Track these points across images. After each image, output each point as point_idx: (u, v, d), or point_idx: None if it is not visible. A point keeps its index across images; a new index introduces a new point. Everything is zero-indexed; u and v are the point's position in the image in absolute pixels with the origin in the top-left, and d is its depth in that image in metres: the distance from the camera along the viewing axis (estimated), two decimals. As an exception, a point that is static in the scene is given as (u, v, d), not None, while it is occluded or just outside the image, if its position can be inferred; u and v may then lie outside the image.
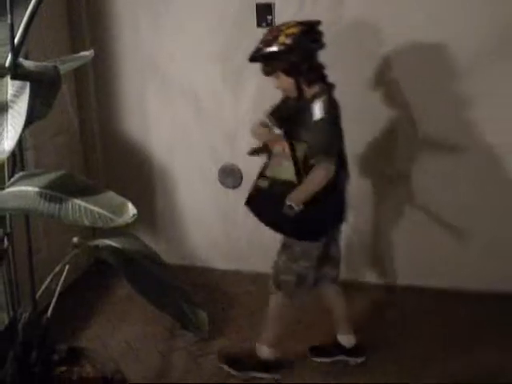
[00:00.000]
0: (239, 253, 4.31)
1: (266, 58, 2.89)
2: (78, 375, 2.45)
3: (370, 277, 4.25)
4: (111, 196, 1.67)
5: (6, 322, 2.15)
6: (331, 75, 2.98)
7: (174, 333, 3.64)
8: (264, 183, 3.03)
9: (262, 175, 3.06)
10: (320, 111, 2.83)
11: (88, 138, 4.32)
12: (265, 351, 3.26)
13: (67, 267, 2.18)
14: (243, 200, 3.13)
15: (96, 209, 1.60)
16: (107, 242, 1.96)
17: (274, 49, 2.81)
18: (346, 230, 3.41)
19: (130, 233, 2.07)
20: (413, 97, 3.76)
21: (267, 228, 3.09)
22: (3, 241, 2.01)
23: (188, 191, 4.29)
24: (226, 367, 3.30)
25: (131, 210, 1.60)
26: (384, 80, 3.77)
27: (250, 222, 3.49)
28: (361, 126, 3.69)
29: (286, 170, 2.94)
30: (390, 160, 3.94)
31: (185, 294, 1.96)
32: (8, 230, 2.04)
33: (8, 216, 2.02)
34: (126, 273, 1.91)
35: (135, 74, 4.13)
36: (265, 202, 3.06)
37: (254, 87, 3.87)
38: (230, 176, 4.18)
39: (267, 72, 2.93)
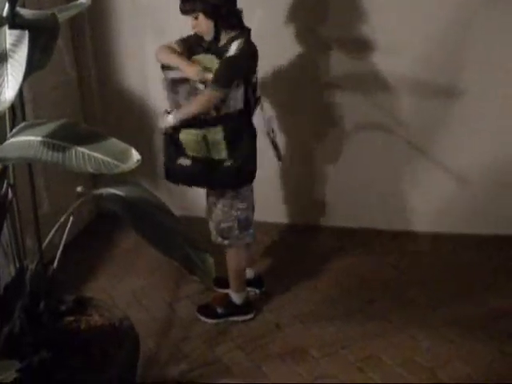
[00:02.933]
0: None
1: None
2: (86, 324, 2.48)
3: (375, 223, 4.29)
4: (114, 143, 1.66)
5: (13, 273, 2.17)
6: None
7: (178, 283, 3.67)
8: (186, 162, 3.05)
9: (182, 153, 3.05)
10: (234, 50, 2.90)
11: (86, 91, 4.29)
12: (235, 296, 3.37)
13: (71, 218, 2.19)
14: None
15: (99, 156, 1.59)
16: (111, 190, 1.97)
17: None
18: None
19: (133, 181, 2.07)
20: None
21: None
22: (7, 193, 2.02)
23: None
24: (201, 318, 3.38)
25: (135, 155, 1.60)
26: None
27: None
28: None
29: (215, 149, 3.00)
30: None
31: (191, 240, 1.97)
32: (11, 181, 2.04)
33: (11, 167, 2.02)
34: (132, 220, 1.92)
35: (132, 25, 4.08)
36: (191, 174, 3.10)
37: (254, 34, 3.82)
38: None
39: (185, 11, 2.92)
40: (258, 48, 2.99)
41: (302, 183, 4.34)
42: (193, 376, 2.95)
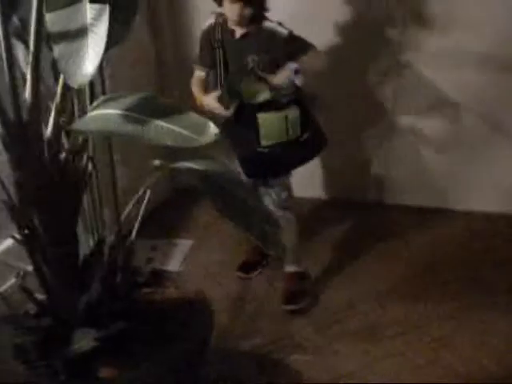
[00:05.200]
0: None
1: None
2: (162, 296, 2.51)
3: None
4: (193, 116, 1.66)
5: (92, 244, 2.21)
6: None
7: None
8: (264, 150, 3.04)
9: (259, 142, 3.03)
10: (282, 28, 2.99)
11: (164, 69, 4.32)
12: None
13: (149, 192, 2.22)
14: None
15: (178, 129, 1.60)
16: (189, 164, 1.97)
17: None
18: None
19: (209, 156, 2.07)
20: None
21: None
22: (87, 165, 2.06)
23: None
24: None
25: (213, 129, 1.60)
26: None
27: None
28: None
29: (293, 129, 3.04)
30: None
31: (267, 215, 1.97)
32: (91, 153, 2.08)
33: (91, 141, 2.06)
34: (210, 195, 1.92)
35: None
36: (274, 163, 3.10)
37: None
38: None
39: None
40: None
41: (367, 159, 4.30)
42: (265, 351, 2.98)
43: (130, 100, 1.75)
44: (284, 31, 2.97)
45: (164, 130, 1.60)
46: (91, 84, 2.03)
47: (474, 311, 3.18)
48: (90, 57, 1.63)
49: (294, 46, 2.98)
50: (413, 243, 3.82)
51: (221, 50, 3.09)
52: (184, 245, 3.87)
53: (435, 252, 3.73)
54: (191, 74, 4.26)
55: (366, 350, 2.95)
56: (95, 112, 1.75)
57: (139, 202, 2.21)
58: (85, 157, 2.03)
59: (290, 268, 3.43)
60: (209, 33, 3.13)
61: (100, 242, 2.18)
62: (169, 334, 2.31)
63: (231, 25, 3.04)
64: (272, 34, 2.98)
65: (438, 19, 3.72)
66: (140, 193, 2.13)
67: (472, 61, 3.73)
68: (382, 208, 4.28)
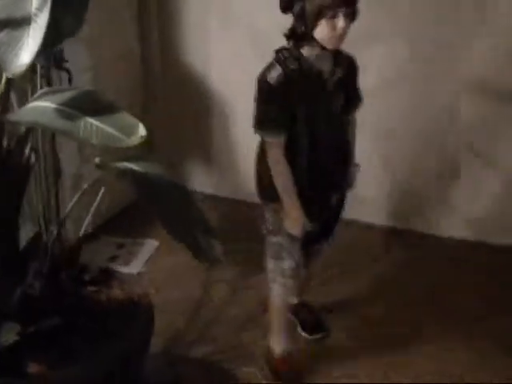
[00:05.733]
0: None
1: None
2: (107, 296, 2.49)
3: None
4: (124, 116, 1.64)
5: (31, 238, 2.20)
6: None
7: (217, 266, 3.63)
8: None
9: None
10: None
11: (148, 65, 4.29)
12: None
13: (103, 188, 2.21)
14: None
15: (106, 128, 1.57)
16: (129, 165, 1.94)
17: None
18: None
19: (154, 160, 2.04)
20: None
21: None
22: (30, 157, 2.03)
23: (245, 125, 4.22)
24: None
25: (141, 131, 1.57)
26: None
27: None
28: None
29: None
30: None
31: (203, 224, 1.94)
32: (38, 146, 2.06)
33: (39, 133, 2.04)
34: (145, 196, 1.90)
35: (198, 4, 4.06)
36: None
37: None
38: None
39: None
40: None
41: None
42: (216, 359, 2.94)
43: (69, 94, 1.73)
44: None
45: (93, 127, 1.58)
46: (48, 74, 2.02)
47: (438, 339, 3.10)
48: (29, 47, 1.60)
49: (356, 90, 2.52)
50: (379, 262, 3.76)
51: (303, 107, 2.35)
52: (151, 244, 3.83)
53: (404, 274, 3.66)
54: (175, 72, 4.22)
55: (320, 368, 2.90)
56: (33, 104, 1.73)
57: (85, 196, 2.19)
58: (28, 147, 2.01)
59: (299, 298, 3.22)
60: (286, 84, 2.32)
61: (38, 234, 2.16)
62: (109, 333, 2.29)
63: (316, 58, 2.31)
64: (351, 62, 2.43)
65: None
66: (84, 188, 2.09)
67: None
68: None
